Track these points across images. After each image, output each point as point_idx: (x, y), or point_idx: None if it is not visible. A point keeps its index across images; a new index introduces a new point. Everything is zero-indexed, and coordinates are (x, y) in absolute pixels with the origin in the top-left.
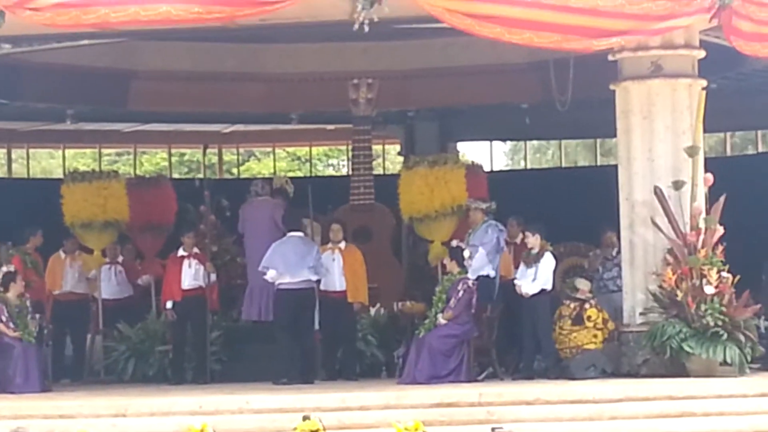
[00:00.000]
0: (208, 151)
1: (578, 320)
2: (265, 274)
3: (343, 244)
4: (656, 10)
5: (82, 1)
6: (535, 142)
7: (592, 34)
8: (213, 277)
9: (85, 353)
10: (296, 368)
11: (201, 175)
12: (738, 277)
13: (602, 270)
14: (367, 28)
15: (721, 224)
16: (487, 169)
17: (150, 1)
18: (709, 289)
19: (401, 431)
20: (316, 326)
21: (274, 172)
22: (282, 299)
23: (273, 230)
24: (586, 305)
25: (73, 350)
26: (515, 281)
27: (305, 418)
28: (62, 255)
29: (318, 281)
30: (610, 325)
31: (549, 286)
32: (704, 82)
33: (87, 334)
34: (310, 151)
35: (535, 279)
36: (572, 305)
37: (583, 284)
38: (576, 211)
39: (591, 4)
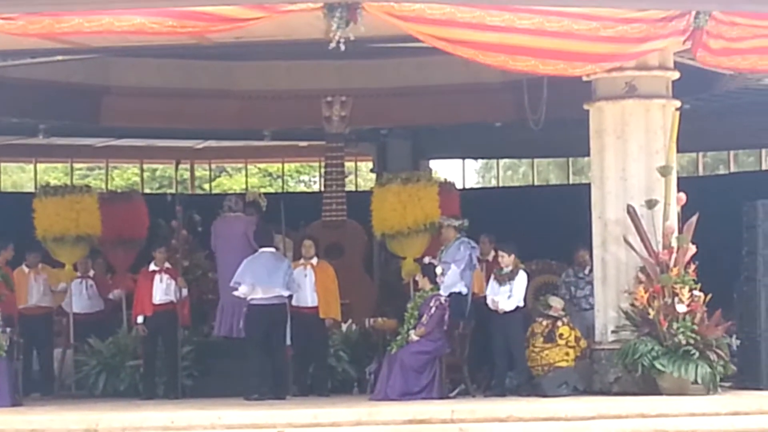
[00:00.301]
0: (180, 166)
1: (550, 338)
2: (236, 289)
3: (315, 260)
4: (631, 32)
5: (54, 10)
6: (506, 161)
7: (568, 58)
8: (184, 292)
9: (53, 367)
10: (268, 384)
11: (173, 191)
12: (710, 295)
13: (575, 288)
14: (343, 47)
15: (693, 243)
16: (459, 186)
17: (124, 12)
18: (681, 308)
19: None
20: (288, 342)
21: (246, 188)
22: (254, 315)
23: (245, 246)
24: (559, 323)
25: (40, 364)
26: (492, 297)
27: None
28: (25, 269)
29: (290, 297)
30: (582, 343)
31: (522, 304)
32: (678, 103)
33: (53, 348)
34: (282, 167)
35: (511, 296)
36: (545, 323)
37: (556, 302)
38: (548, 228)
39: (566, 28)
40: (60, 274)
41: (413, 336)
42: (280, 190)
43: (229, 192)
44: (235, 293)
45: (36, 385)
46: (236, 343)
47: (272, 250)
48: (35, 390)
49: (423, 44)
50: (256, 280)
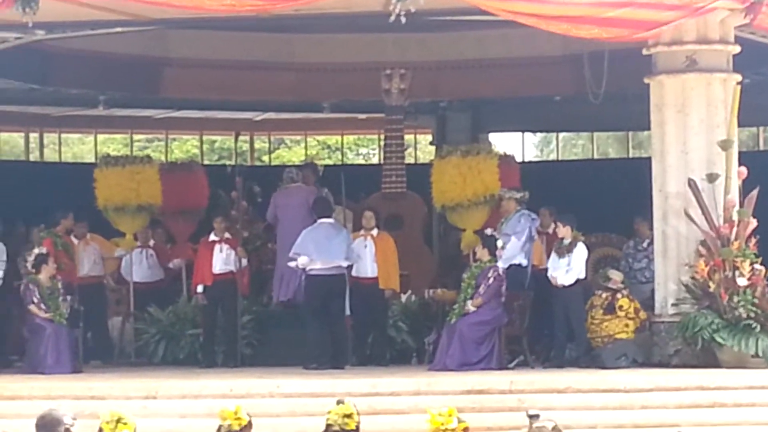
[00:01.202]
0: (239, 138)
1: (610, 309)
2: (294, 260)
3: (375, 231)
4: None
5: None
6: (565, 134)
7: (632, 26)
8: (244, 262)
9: (108, 335)
10: (327, 354)
11: (232, 162)
12: None
13: (632, 260)
14: (403, 20)
15: (754, 217)
16: (518, 159)
17: None
18: (741, 281)
19: (435, 417)
20: (347, 312)
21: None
22: (313, 285)
23: (306, 216)
24: (618, 295)
25: (91, 333)
26: (550, 274)
27: (339, 402)
28: (74, 240)
29: (349, 267)
30: (642, 315)
31: (583, 276)
32: (739, 77)
33: (107, 317)
34: (342, 139)
35: (570, 269)
36: (604, 295)
37: (615, 274)
38: (607, 202)
39: None
40: (112, 244)
41: (470, 306)
42: (339, 162)
43: (288, 164)
44: (291, 263)
45: (94, 353)
46: (295, 313)
47: (331, 220)
48: (95, 358)
49: (481, 17)
50: (316, 251)
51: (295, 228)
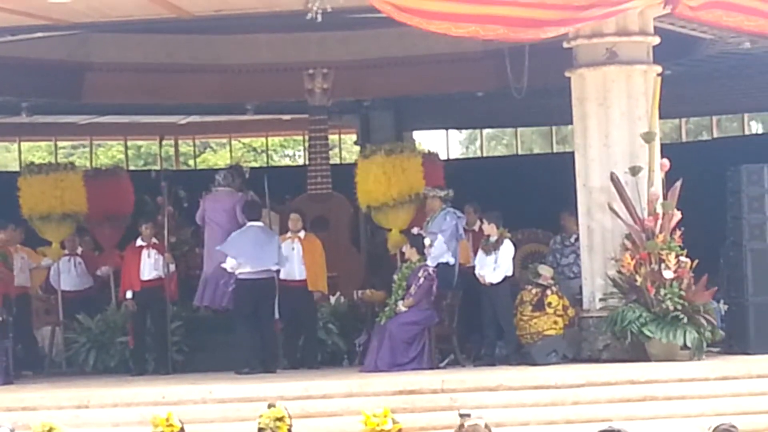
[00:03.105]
0: (164, 142)
1: (539, 306)
2: (223, 262)
3: (302, 233)
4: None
5: None
6: (490, 131)
7: (539, 25)
8: (172, 267)
9: (37, 346)
10: (257, 358)
11: (157, 167)
12: (696, 261)
13: (560, 256)
14: (320, 18)
15: (678, 209)
16: (443, 157)
17: None
18: (668, 274)
19: (370, 418)
20: (276, 315)
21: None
22: (242, 289)
23: (232, 221)
24: (548, 291)
25: (21, 344)
26: (478, 272)
27: (270, 405)
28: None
29: (278, 271)
30: (570, 312)
31: (510, 273)
32: (659, 69)
33: (33, 327)
34: (267, 141)
35: (497, 267)
36: (534, 291)
37: (545, 270)
38: (533, 198)
39: None
40: (40, 253)
41: (401, 307)
42: (264, 165)
43: (215, 167)
44: (223, 265)
45: (24, 364)
46: (225, 318)
47: (260, 224)
48: (25, 368)
49: None
50: (245, 255)
51: (221, 232)
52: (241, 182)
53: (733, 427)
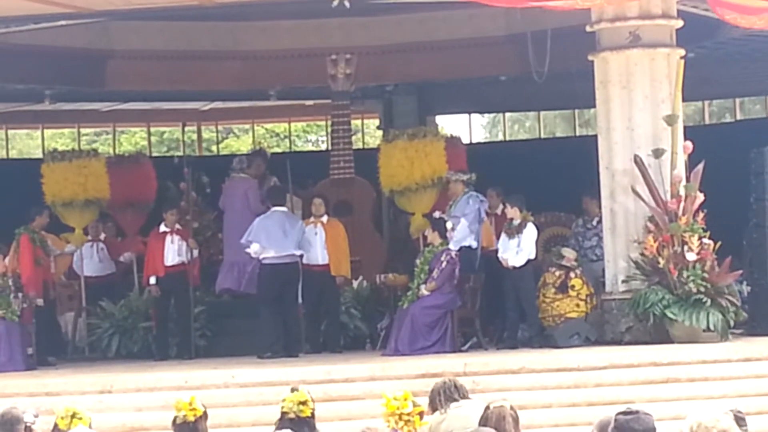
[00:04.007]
0: (187, 128)
1: (562, 288)
2: (246, 248)
3: (325, 218)
4: None
5: None
6: (512, 114)
7: None
8: (195, 252)
9: (59, 331)
10: (280, 342)
11: (180, 153)
12: (719, 243)
13: (582, 239)
14: (347, 4)
15: (701, 191)
16: (465, 141)
17: None
18: (690, 256)
19: (390, 401)
20: (299, 300)
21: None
22: (266, 274)
23: (243, 208)
24: (572, 274)
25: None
26: (501, 256)
27: (293, 389)
28: None
29: (301, 255)
30: (594, 300)
31: (533, 256)
32: (682, 51)
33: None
34: (289, 127)
35: (520, 250)
36: (557, 273)
37: (569, 252)
38: (556, 181)
39: None
40: (63, 239)
41: (424, 291)
42: (287, 150)
43: (237, 153)
44: (247, 251)
45: (47, 350)
46: (248, 303)
47: (284, 209)
48: (49, 354)
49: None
50: (269, 241)
51: (234, 218)
52: (264, 166)
53: (739, 412)
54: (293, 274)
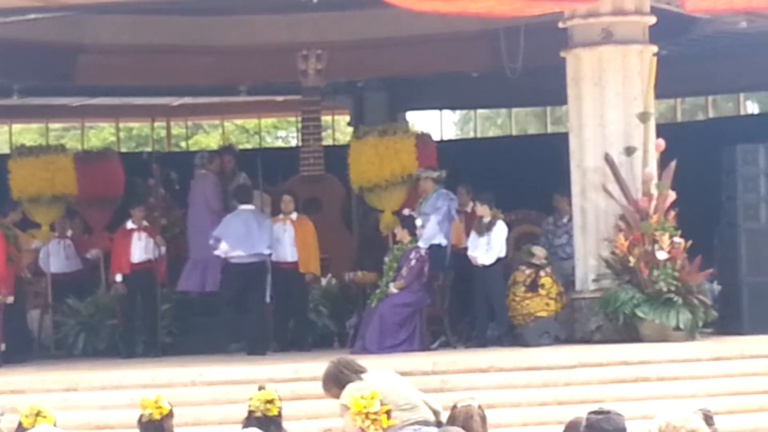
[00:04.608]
0: (156, 124)
1: (533, 287)
2: (213, 247)
3: (294, 215)
4: None
5: None
6: (484, 111)
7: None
8: (163, 249)
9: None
10: (245, 341)
11: (149, 149)
12: (690, 242)
13: (552, 237)
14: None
15: (672, 189)
16: (436, 138)
17: None
18: (661, 255)
19: (357, 400)
20: (267, 300)
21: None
22: (230, 273)
23: (202, 206)
24: (542, 272)
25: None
26: (470, 254)
27: (260, 388)
28: None
29: (270, 254)
30: (564, 299)
31: (503, 254)
32: (655, 49)
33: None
34: (260, 123)
35: (489, 248)
36: (527, 271)
37: (539, 250)
38: (527, 178)
39: None
40: (29, 235)
41: (392, 288)
42: (257, 146)
43: (206, 149)
44: (216, 252)
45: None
46: (214, 301)
47: (251, 207)
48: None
49: None
50: (236, 240)
51: (195, 215)
52: (233, 162)
53: (708, 411)
54: (259, 273)
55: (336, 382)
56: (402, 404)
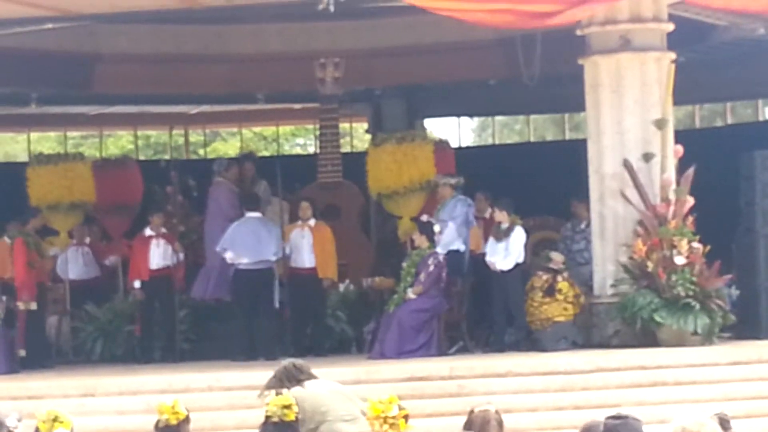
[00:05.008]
0: (174, 132)
1: (550, 292)
2: (221, 254)
3: (312, 222)
4: None
5: None
6: (502, 118)
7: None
8: (181, 256)
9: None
10: (255, 347)
11: (167, 157)
12: (708, 247)
13: (570, 242)
14: (332, 8)
15: (691, 195)
16: (454, 145)
17: None
18: (679, 260)
19: (375, 405)
20: (276, 305)
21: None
22: (240, 280)
23: (216, 213)
24: (559, 277)
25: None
26: (488, 259)
27: (278, 393)
28: (7, 240)
29: (288, 258)
30: (582, 300)
31: (521, 260)
32: (673, 56)
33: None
34: (277, 130)
35: (508, 254)
36: (545, 277)
37: (556, 256)
38: (545, 185)
39: None
40: (48, 242)
41: (410, 294)
42: (275, 154)
43: (225, 157)
44: (225, 257)
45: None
46: (232, 307)
47: (258, 214)
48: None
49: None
50: (242, 248)
51: (211, 224)
52: (253, 170)
53: (725, 415)
54: (267, 279)
55: (287, 377)
56: (344, 415)
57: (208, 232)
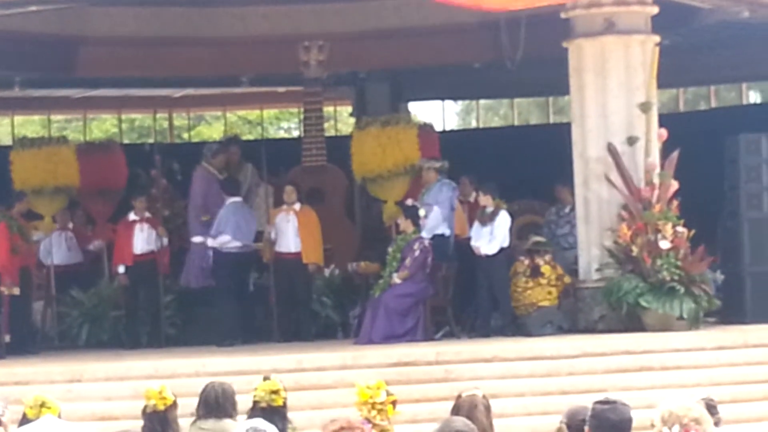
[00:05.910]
0: (158, 116)
1: (533, 274)
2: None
3: (297, 206)
4: None
5: None
6: (486, 102)
7: None
8: (165, 241)
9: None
10: (241, 330)
11: (151, 140)
12: (693, 231)
13: (555, 227)
14: None
15: (675, 179)
16: (439, 129)
17: None
18: (664, 244)
19: (363, 390)
20: (251, 288)
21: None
22: (226, 262)
23: (195, 198)
24: (540, 261)
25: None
26: (473, 244)
27: (266, 378)
28: None
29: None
30: (566, 279)
31: (506, 244)
32: (657, 39)
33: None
34: (262, 114)
35: (492, 238)
36: (526, 261)
37: (538, 239)
38: (529, 169)
39: None
40: (32, 227)
41: (396, 279)
42: (259, 137)
43: (209, 140)
44: (212, 243)
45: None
46: (218, 291)
47: (239, 199)
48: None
49: None
50: (237, 232)
51: (193, 207)
52: (239, 153)
53: (711, 400)
54: (247, 262)
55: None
56: None
57: (190, 217)
